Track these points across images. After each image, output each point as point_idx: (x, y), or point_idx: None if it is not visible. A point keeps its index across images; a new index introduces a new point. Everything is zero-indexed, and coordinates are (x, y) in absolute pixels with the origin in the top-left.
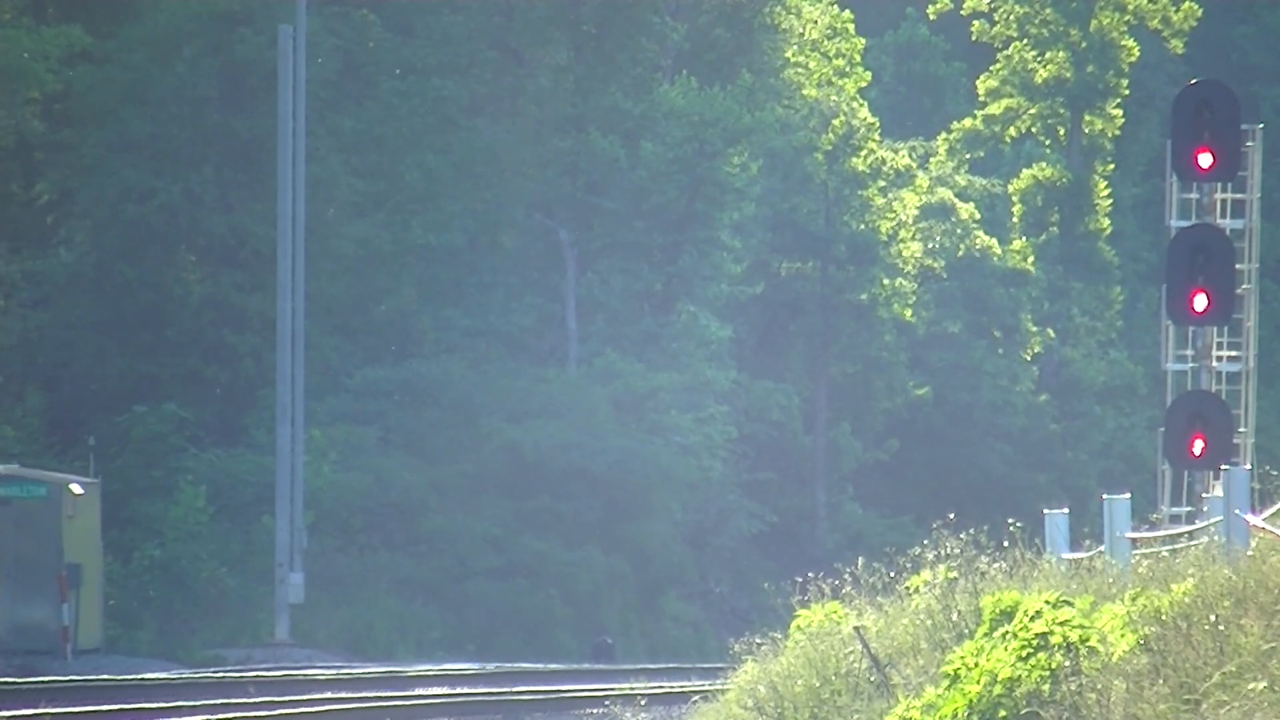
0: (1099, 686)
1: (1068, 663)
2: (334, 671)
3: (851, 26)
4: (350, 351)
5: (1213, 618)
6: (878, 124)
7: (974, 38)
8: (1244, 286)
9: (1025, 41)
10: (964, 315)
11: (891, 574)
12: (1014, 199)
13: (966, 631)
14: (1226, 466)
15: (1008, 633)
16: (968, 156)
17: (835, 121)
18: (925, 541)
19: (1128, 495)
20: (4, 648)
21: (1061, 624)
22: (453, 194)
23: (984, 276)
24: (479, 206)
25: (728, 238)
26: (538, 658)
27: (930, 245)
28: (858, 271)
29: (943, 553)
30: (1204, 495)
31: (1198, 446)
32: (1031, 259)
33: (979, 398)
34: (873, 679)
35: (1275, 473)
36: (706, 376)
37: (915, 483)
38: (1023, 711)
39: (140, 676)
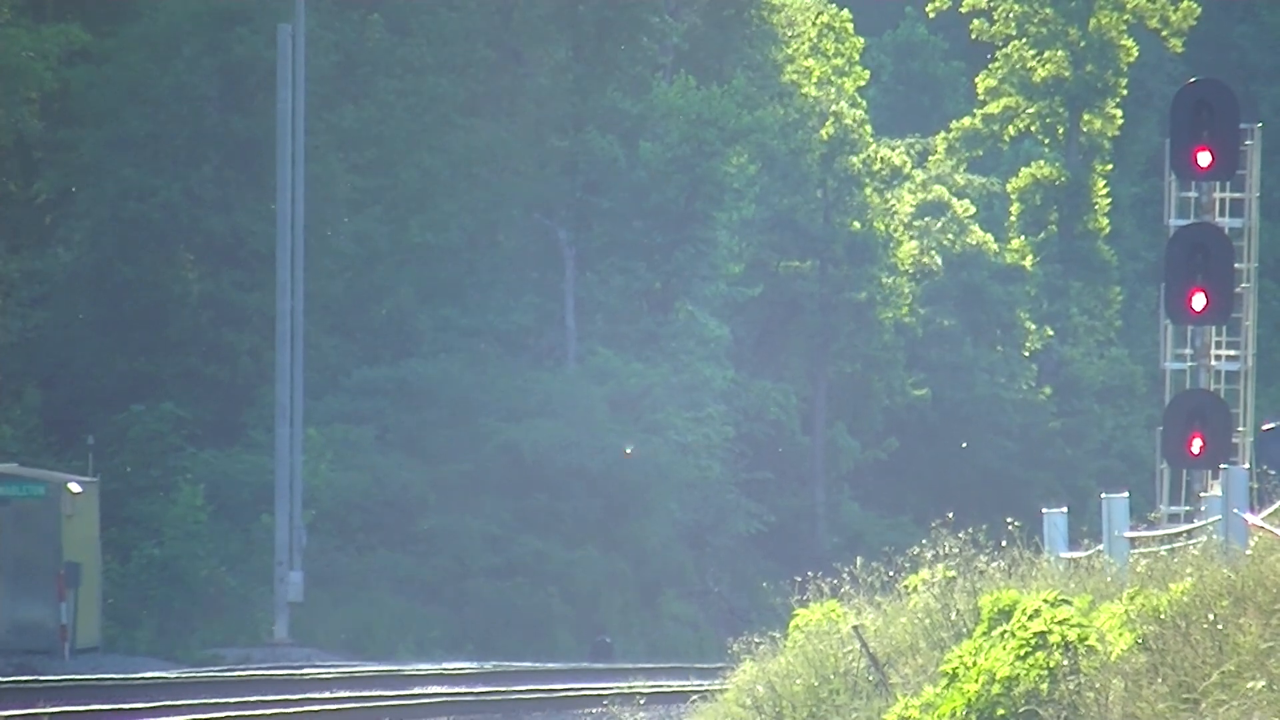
0: (1097, 685)
1: (1066, 662)
2: (333, 670)
3: (850, 26)
4: (349, 350)
5: (1211, 617)
6: (868, 120)
7: (973, 36)
8: (1243, 285)
9: (1024, 40)
10: (962, 313)
11: (890, 573)
12: (1013, 198)
13: (965, 630)
14: (1225, 466)
15: (1006, 632)
16: (966, 155)
17: (830, 121)
18: (924, 540)
19: (1126, 494)
20: (2, 647)
21: (1060, 623)
22: (451, 193)
23: (981, 271)
24: (477, 206)
25: (726, 237)
26: (537, 657)
27: (927, 242)
28: (856, 271)
29: (941, 552)
30: (1202, 494)
31: (1196, 445)
32: (1030, 257)
33: (977, 396)
34: (871, 678)
35: (1273, 472)
36: (705, 376)
37: (914, 482)
38: (1021, 710)
39: (139, 676)
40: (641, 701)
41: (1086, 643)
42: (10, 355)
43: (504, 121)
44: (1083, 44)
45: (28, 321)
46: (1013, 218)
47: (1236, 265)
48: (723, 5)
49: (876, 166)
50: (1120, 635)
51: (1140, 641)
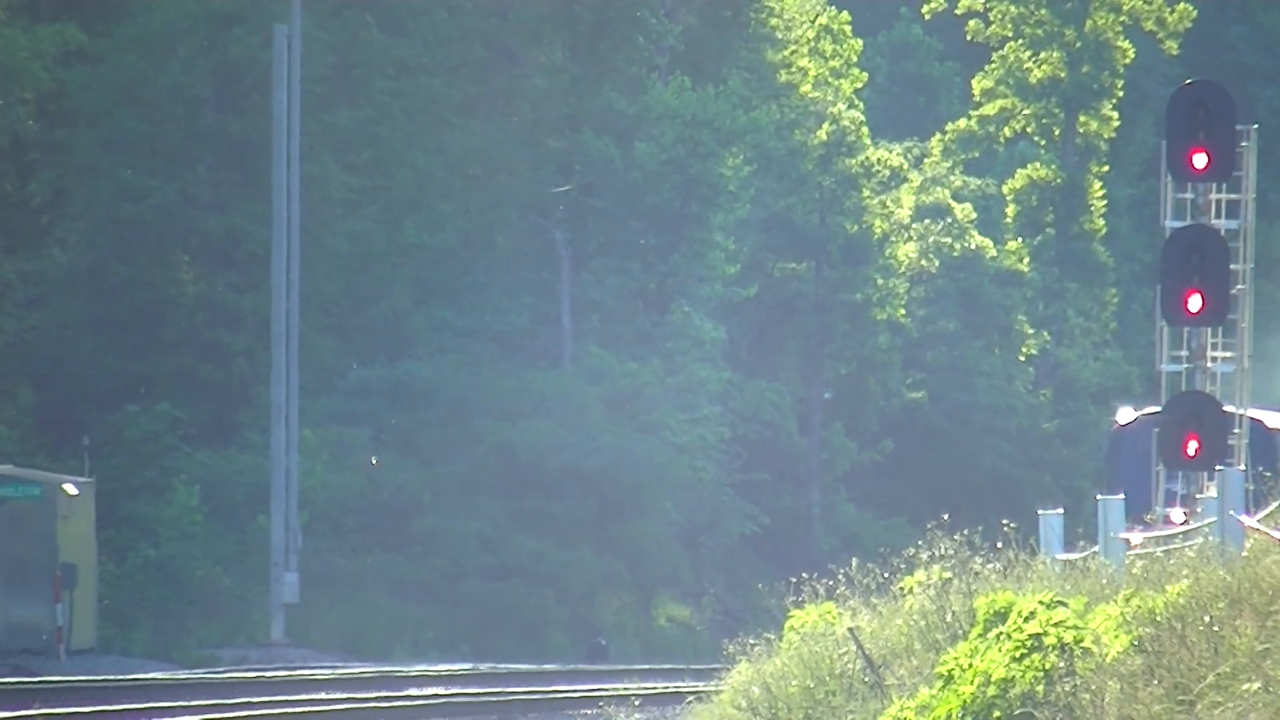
0: (1093, 687)
1: (1062, 663)
2: (329, 671)
3: (849, 29)
4: (344, 351)
5: (1207, 619)
6: (866, 123)
7: (969, 37)
8: (1239, 287)
9: (1020, 41)
10: (959, 315)
11: (886, 575)
12: (1008, 199)
13: (961, 632)
14: (1221, 467)
15: (1002, 633)
16: (962, 157)
17: (827, 123)
18: (920, 542)
19: (1122, 496)
20: None
21: (1056, 625)
22: (447, 194)
23: (979, 276)
24: (473, 206)
25: (722, 238)
26: (532, 658)
27: (925, 245)
28: (852, 272)
29: (937, 553)
30: (1198, 496)
31: (1192, 447)
32: (1026, 260)
33: (974, 398)
34: (867, 680)
35: (1269, 474)
36: (700, 376)
37: (910, 483)
38: (1017, 712)
39: (135, 677)
40: (636, 703)
41: (1082, 645)
42: (6, 356)
43: (499, 122)
44: (1079, 45)
45: (23, 322)
46: (1009, 219)
47: (1232, 267)
48: (719, 6)
49: (876, 169)
50: (1116, 637)
51: (1136, 643)
